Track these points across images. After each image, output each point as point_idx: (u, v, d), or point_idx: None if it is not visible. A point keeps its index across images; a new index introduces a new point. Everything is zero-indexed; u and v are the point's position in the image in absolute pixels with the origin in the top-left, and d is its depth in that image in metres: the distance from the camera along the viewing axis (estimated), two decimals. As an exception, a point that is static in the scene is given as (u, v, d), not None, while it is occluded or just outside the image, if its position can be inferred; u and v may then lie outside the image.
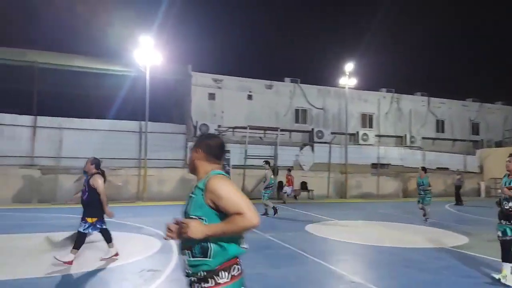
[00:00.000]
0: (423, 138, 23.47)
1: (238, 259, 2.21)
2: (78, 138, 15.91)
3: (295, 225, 10.50)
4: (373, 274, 5.95)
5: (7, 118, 15.11)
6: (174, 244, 7.45)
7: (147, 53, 15.75)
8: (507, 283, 4.99)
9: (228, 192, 2.05)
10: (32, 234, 8.19)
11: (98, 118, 16.72)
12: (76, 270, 5.54)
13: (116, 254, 6.12)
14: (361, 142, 21.10)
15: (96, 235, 6.37)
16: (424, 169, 11.21)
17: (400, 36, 47.81)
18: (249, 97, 20.01)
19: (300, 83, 21.36)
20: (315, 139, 19.76)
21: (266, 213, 11.86)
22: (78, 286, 4.87)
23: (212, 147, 2.32)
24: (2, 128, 14.93)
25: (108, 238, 6.12)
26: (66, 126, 15.78)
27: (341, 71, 20.17)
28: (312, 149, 19.68)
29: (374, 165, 21.00)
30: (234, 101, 19.50)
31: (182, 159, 17.31)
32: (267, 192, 12.15)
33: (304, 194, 18.90)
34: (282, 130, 19.20)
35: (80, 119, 16.18)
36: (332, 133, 20.44)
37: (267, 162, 12.63)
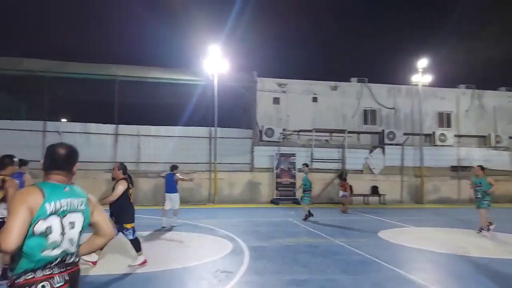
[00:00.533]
0: (510, 137, 21.11)
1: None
2: (154, 145, 17.09)
3: (367, 231, 10.08)
4: (457, 285, 5.48)
5: (93, 127, 16.74)
6: (245, 246, 7.62)
7: (215, 62, 16.44)
8: None
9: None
10: (119, 233, 8.92)
11: (172, 125, 17.78)
12: (156, 268, 5.91)
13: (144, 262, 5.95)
14: (438, 143, 19.62)
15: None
16: (482, 168, 9.78)
17: (478, 27, 43.76)
18: (314, 99, 19.76)
19: (368, 82, 20.56)
20: (386, 140, 18.83)
21: (307, 217, 11.44)
22: (158, 283, 5.19)
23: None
24: (89, 136, 16.58)
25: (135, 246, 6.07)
26: (144, 134, 17.02)
27: (413, 68, 19.06)
28: (383, 152, 18.79)
29: (453, 168, 19.40)
30: (299, 105, 19.41)
31: (249, 163, 17.66)
32: (307, 196, 11.50)
33: (374, 199, 18.11)
34: (349, 132, 18.65)
35: (156, 126, 17.34)
36: (405, 134, 19.31)
37: (306, 165, 12.12)
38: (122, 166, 6.05)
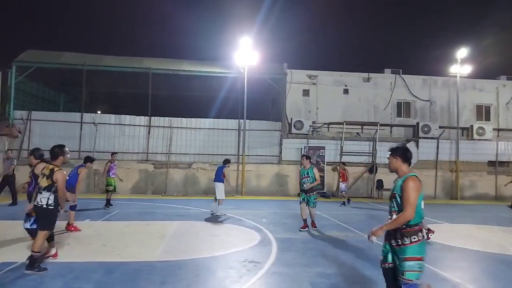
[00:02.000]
0: (554, 131, 19.83)
1: None
2: (185, 136, 17.42)
3: (398, 226, 9.83)
4: (494, 285, 5.25)
5: (127, 119, 17.27)
6: (272, 238, 7.65)
7: (246, 54, 16.45)
8: None
9: None
10: (151, 222, 9.22)
11: (202, 118, 18.05)
12: (185, 256, 6.06)
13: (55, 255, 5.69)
14: (475, 136, 18.73)
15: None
16: None
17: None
18: (345, 91, 19.38)
19: (402, 73, 19.89)
20: (420, 134, 18.18)
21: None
22: (189, 271, 5.32)
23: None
24: (124, 128, 17.12)
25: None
26: (175, 125, 17.38)
27: (451, 58, 18.23)
28: (417, 145, 18.18)
29: (491, 163, 18.49)
30: (329, 97, 19.10)
31: (277, 155, 17.65)
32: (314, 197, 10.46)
33: (406, 193, 17.58)
34: (381, 125, 18.15)
35: (187, 118, 17.65)
36: (440, 127, 18.56)
37: (306, 157, 11.07)
38: (34, 153, 6.07)
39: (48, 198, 5.01)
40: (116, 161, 12.31)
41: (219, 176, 10.80)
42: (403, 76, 19.79)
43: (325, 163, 17.12)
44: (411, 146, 18.19)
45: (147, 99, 17.35)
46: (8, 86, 16.23)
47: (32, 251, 4.94)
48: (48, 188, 5.04)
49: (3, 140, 15.55)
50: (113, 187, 11.62)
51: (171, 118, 17.43)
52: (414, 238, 3.32)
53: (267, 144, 17.69)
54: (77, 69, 17.38)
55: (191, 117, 17.78)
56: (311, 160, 9.03)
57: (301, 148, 17.28)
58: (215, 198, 10.72)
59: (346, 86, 19.38)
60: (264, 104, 23.48)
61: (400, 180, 3.49)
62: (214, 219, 10.02)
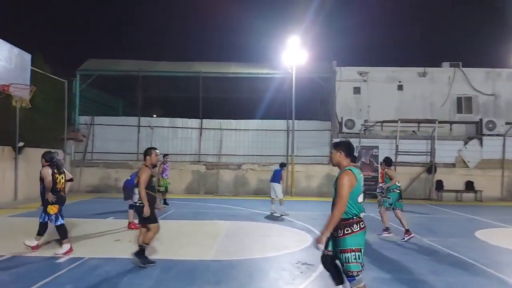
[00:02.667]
0: None
1: None
2: (234, 138, 17.72)
3: (460, 230, 9.22)
4: None
5: (180, 121, 17.93)
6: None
7: (294, 54, 16.35)
8: None
9: None
10: (205, 221, 9.48)
11: (251, 119, 18.23)
12: (239, 256, 6.14)
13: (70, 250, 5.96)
14: (549, 133, 16.99)
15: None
16: None
17: None
18: (399, 87, 18.50)
19: (462, 67, 18.59)
20: (484, 131, 16.85)
21: None
22: (241, 271, 5.38)
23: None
24: (177, 130, 17.79)
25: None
26: (225, 127, 17.73)
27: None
28: (480, 143, 16.89)
29: None
30: (381, 94, 18.35)
31: (327, 155, 17.31)
32: None
33: (469, 195, 16.44)
34: (440, 122, 17.09)
35: (236, 120, 17.93)
36: (507, 123, 17.06)
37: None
38: (45, 156, 6.25)
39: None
40: (169, 162, 12.70)
41: (277, 177, 11.03)
42: (463, 69, 18.48)
43: (379, 163, 16.49)
44: (474, 144, 16.95)
45: (198, 102, 17.88)
46: (73, 94, 17.56)
47: (144, 243, 5.39)
48: (137, 186, 5.45)
49: (70, 144, 16.86)
50: (164, 187, 11.91)
51: (221, 120, 17.82)
52: (347, 230, 3.41)
53: (317, 144, 17.42)
54: (133, 76, 18.39)
55: (240, 119, 18.03)
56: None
57: (354, 148, 16.79)
58: (272, 199, 10.91)
59: (400, 82, 18.49)
60: (312, 103, 23.16)
61: (338, 174, 3.59)
62: (264, 219, 10.06)
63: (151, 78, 18.96)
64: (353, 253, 3.43)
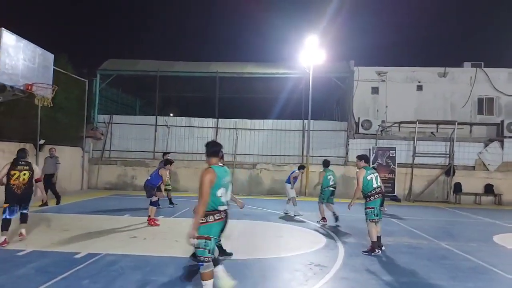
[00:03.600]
0: None
1: None
2: (249, 137, 17.76)
3: (479, 234, 9.00)
4: None
5: (197, 121, 18.08)
6: (339, 242, 7.47)
7: (311, 54, 16.26)
8: None
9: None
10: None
11: (266, 119, 18.23)
12: (253, 256, 6.16)
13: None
14: None
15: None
16: None
17: None
18: (419, 88, 18.16)
19: (484, 67, 18.12)
20: (506, 133, 16.37)
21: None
22: (255, 271, 5.40)
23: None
24: (193, 130, 17.96)
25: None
26: (240, 127, 17.79)
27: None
28: (501, 146, 16.43)
29: None
30: (400, 94, 18.06)
31: (343, 156, 17.17)
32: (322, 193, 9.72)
33: (488, 199, 16.03)
34: (460, 124, 16.70)
35: (251, 120, 17.96)
36: (530, 125, 16.54)
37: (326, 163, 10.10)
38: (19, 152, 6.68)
39: None
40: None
41: (288, 178, 11.09)
42: (485, 69, 18.00)
43: (396, 164, 16.26)
44: (495, 146, 16.51)
45: (214, 102, 18.00)
46: (93, 93, 17.95)
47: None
48: None
49: (88, 142, 17.23)
50: (170, 185, 11.94)
51: (236, 119, 17.89)
52: (203, 220, 3.87)
53: (332, 145, 17.30)
54: (151, 75, 18.65)
55: (256, 119, 18.05)
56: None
57: (369, 149, 16.60)
58: (288, 199, 10.96)
59: (419, 82, 18.14)
60: (328, 103, 23.00)
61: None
62: (278, 219, 10.05)
63: (169, 78, 19.18)
64: (202, 240, 3.85)
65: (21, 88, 8.45)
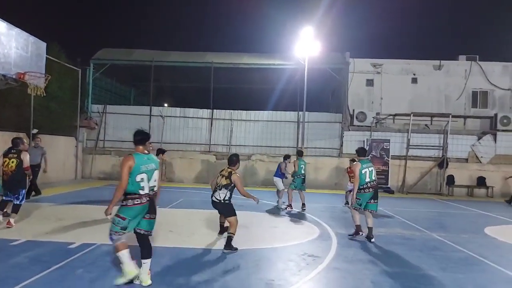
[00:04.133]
0: None
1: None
2: (244, 128, 17.75)
3: (471, 226, 9.14)
4: None
5: (191, 111, 18.01)
6: (332, 232, 7.55)
7: (306, 45, 16.17)
8: None
9: None
10: (213, 211, 9.54)
11: (261, 110, 18.21)
12: (246, 246, 6.21)
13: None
14: None
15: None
16: None
17: None
18: (413, 80, 18.21)
19: (479, 60, 18.18)
20: (499, 126, 16.54)
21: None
22: (249, 261, 5.45)
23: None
24: (187, 120, 17.90)
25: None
26: (235, 118, 17.76)
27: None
28: (494, 139, 16.59)
29: None
30: (395, 86, 18.10)
31: (337, 148, 17.24)
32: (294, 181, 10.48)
33: (481, 191, 16.24)
34: (454, 116, 16.82)
35: (246, 111, 17.92)
36: (523, 118, 16.70)
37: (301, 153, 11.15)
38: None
39: (225, 194, 6.07)
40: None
41: (277, 170, 11.10)
42: (479, 63, 18.07)
43: (390, 156, 16.37)
44: (488, 139, 16.66)
45: (209, 92, 17.91)
46: (86, 82, 17.76)
47: (230, 233, 5.93)
48: (226, 187, 6.07)
49: (82, 132, 17.12)
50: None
51: (231, 110, 17.84)
52: (123, 203, 4.20)
53: (327, 136, 17.36)
54: (145, 65, 18.47)
55: (251, 110, 18.02)
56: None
57: (364, 141, 16.68)
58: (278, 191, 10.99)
59: (414, 74, 18.18)
60: (323, 95, 22.99)
61: None
62: (273, 211, 10.12)
63: (163, 68, 19.02)
64: (117, 218, 4.18)
65: (14, 77, 8.34)
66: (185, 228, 7.43)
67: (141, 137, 4.44)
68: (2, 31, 8.08)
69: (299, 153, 10.92)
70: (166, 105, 22.95)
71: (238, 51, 20.00)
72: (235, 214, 6.15)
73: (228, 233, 6.02)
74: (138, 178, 4.18)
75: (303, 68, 16.59)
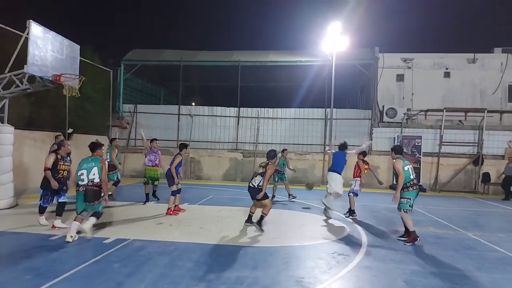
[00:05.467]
0: None
1: None
2: (271, 126, 17.75)
3: (508, 225, 8.75)
4: None
5: (219, 110, 18.21)
6: (362, 231, 7.44)
7: (334, 40, 15.93)
8: None
9: None
10: (242, 208, 9.66)
11: (288, 107, 18.14)
12: (276, 243, 6.23)
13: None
14: None
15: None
16: None
17: None
18: (446, 74, 17.57)
19: (516, 52, 17.30)
20: (539, 121, 15.70)
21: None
22: (279, 258, 5.47)
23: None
24: (215, 119, 18.11)
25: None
26: (262, 116, 17.79)
27: None
28: (534, 134, 15.75)
29: None
30: (426, 81, 17.54)
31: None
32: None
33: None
34: (489, 111, 16.10)
35: (273, 109, 17.91)
36: None
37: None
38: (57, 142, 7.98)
39: (260, 181, 7.02)
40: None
41: (339, 164, 8.93)
42: (517, 54, 17.20)
43: (422, 153, 15.90)
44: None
45: (236, 91, 18.03)
46: (117, 83, 18.33)
47: (263, 212, 7.07)
48: (261, 175, 7.04)
49: (115, 131, 17.69)
50: (146, 178, 9.83)
51: (258, 108, 17.88)
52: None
53: (356, 133, 17.06)
54: (174, 65, 18.84)
55: (278, 107, 17.99)
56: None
57: (394, 138, 16.29)
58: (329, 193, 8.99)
59: (447, 68, 17.54)
60: (352, 91, 22.61)
61: None
62: (300, 208, 10.08)
63: (192, 67, 19.32)
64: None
65: (50, 78, 8.70)
66: (215, 224, 7.55)
67: (92, 145, 6.39)
68: (39, 35, 8.45)
69: (283, 151, 12.01)
70: (193, 104, 23.29)
71: (264, 48, 20.06)
72: (268, 197, 7.15)
73: (262, 212, 7.06)
74: (79, 173, 6.02)
75: (330, 64, 16.35)
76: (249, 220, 7.45)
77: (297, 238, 6.66)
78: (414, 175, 6.72)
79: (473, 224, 8.71)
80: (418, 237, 6.57)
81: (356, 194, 9.14)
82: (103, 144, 6.73)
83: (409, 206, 6.56)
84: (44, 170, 6.79)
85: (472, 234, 7.47)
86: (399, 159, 6.80)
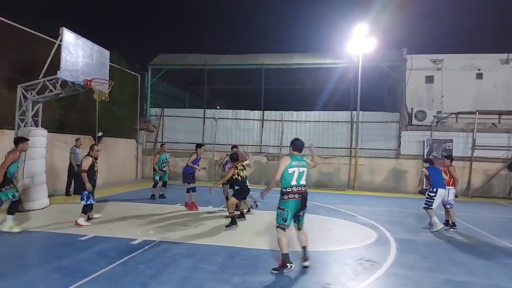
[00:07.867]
0: None
1: None
2: (295, 129, 17.61)
3: (549, 234, 8.26)
4: None
5: (242, 113, 18.26)
6: (390, 237, 7.23)
7: (360, 42, 15.68)
8: None
9: None
10: (266, 211, 9.60)
11: (312, 110, 17.96)
12: (299, 248, 6.13)
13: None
14: None
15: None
16: None
17: None
18: (478, 76, 16.90)
19: (555, 51, 16.43)
20: None
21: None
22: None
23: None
24: (239, 122, 18.17)
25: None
26: (286, 119, 17.70)
27: None
28: None
29: None
30: (457, 83, 16.93)
31: (394, 149, 16.48)
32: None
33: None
34: (525, 114, 15.36)
35: (297, 111, 17.78)
36: None
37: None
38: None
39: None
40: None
41: (438, 179, 8.32)
42: (555, 54, 16.33)
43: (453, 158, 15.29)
44: None
45: (260, 94, 18.04)
46: (145, 87, 18.76)
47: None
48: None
49: (142, 134, 18.09)
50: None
51: (282, 111, 17.81)
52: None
53: (383, 136, 16.65)
54: (199, 69, 19.08)
55: (302, 110, 17.84)
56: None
57: (424, 141, 15.80)
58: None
59: (479, 70, 16.87)
60: (378, 93, 22.13)
61: None
62: (325, 213, 9.92)
63: (216, 71, 19.51)
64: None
65: (81, 83, 8.99)
66: (239, 227, 7.53)
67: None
68: (70, 41, 8.76)
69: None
70: (218, 107, 23.48)
71: (288, 51, 19.95)
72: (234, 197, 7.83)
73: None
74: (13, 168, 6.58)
75: (356, 66, 16.12)
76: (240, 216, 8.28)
77: (323, 243, 6.53)
78: None
79: (507, 231, 8.29)
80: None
81: (451, 205, 8.38)
82: (28, 139, 7.04)
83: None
84: (81, 173, 7.11)
85: (507, 242, 7.11)
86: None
